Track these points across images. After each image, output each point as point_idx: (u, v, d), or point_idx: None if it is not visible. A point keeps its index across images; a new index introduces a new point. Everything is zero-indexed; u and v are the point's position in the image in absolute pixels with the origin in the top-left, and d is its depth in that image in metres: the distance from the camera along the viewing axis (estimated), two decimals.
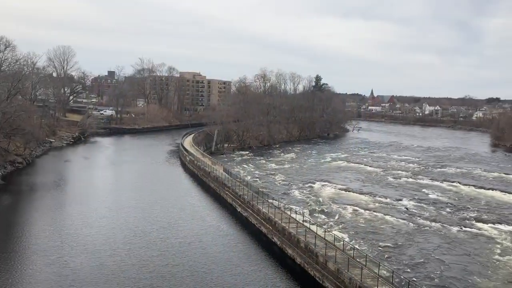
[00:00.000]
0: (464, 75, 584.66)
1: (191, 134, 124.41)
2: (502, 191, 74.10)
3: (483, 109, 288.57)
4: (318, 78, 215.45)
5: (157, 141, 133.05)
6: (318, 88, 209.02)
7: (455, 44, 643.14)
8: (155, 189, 68.38)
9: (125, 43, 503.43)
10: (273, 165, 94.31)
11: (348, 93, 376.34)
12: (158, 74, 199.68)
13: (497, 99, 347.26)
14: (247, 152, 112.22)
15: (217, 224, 50.76)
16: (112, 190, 67.54)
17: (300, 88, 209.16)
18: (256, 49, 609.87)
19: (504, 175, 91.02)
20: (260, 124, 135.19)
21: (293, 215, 47.48)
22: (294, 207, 56.26)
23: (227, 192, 62.29)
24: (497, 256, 42.79)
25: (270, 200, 53.03)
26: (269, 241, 45.08)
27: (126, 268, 36.13)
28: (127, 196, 62.38)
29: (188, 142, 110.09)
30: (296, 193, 67.93)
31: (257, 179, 77.08)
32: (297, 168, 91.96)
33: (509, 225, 53.42)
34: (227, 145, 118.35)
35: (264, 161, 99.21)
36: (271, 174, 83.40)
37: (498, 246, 46.03)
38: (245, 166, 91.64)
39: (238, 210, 55.98)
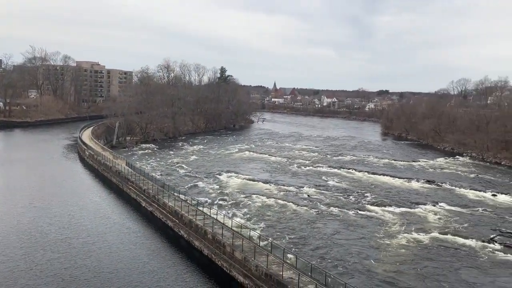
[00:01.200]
0: (358, 69, 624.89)
1: (90, 127, 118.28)
2: (392, 176, 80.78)
3: (374, 100, 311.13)
4: (223, 70, 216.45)
5: (52, 135, 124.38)
6: (223, 79, 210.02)
7: (350, 39, 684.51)
8: (52, 187, 64.06)
9: (14, 30, 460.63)
10: (179, 157, 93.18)
11: (252, 85, 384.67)
12: (52, 63, 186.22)
13: (386, 91, 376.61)
14: (152, 145, 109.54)
15: (122, 221, 49.07)
16: (2, 190, 61.84)
17: (205, 79, 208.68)
18: (159, 39, 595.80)
19: (393, 161, 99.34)
20: (164, 116, 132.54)
21: (200, 207, 47.53)
22: (201, 199, 56.33)
23: (130, 187, 60.44)
24: (388, 238, 46.74)
25: (176, 194, 52.57)
26: (176, 235, 44.74)
27: (22, 274, 33.57)
28: (20, 195, 57.55)
29: (87, 135, 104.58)
30: (203, 185, 67.94)
31: (163, 172, 75.75)
32: (203, 160, 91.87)
33: (398, 207, 58.54)
34: (129, 138, 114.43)
35: (169, 154, 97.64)
36: (177, 166, 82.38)
37: (388, 227, 50.27)
38: (149, 159, 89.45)
39: (143, 205, 54.68)
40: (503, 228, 50.65)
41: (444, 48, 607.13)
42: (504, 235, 47.87)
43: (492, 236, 47.28)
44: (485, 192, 69.60)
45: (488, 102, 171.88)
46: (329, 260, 39.30)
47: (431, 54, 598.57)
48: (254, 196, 61.25)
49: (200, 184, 68.56)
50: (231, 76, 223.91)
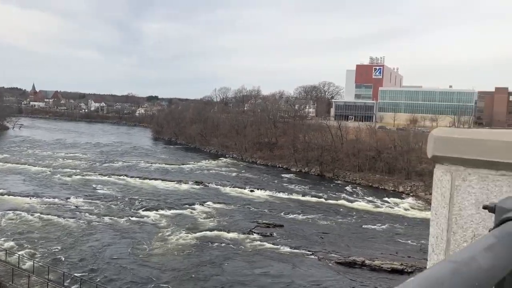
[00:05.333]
0: (126, 74, 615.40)
1: None
2: (163, 179, 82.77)
3: (144, 106, 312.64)
4: None
5: None
6: None
7: (118, 44, 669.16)
8: None
9: None
10: None
11: (5, 87, 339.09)
12: None
13: (156, 97, 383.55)
14: None
15: None
16: None
17: None
18: None
19: (164, 165, 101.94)
20: None
21: None
22: None
23: None
24: (161, 242, 47.72)
25: None
26: None
27: None
28: None
29: None
30: None
31: None
32: None
33: (170, 210, 60.36)
34: None
35: None
36: None
37: (162, 232, 51.36)
38: None
39: None
40: (259, 220, 57.76)
41: (208, 57, 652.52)
42: (261, 226, 54.82)
43: (251, 228, 53.50)
44: (245, 188, 78.04)
45: (245, 108, 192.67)
46: (101, 273, 37.77)
47: (197, 62, 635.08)
48: (10, 212, 54.16)
49: None
50: None
